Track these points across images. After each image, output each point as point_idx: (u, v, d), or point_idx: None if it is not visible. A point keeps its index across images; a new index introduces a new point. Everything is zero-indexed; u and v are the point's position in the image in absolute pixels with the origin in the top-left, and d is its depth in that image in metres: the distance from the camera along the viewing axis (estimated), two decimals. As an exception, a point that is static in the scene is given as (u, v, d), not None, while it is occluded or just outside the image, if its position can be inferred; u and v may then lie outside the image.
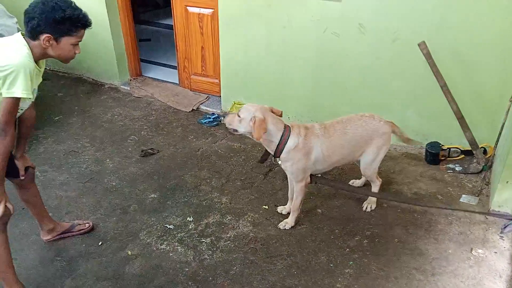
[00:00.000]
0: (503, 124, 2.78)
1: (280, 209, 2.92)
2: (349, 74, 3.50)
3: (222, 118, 2.56)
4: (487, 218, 2.67)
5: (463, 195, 2.89)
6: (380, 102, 3.45)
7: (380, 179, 2.85)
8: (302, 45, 3.59)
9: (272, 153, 2.53)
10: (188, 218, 2.87)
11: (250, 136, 2.51)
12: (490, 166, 3.06)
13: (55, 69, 5.28)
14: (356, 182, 3.13)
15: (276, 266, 2.46)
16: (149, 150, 3.69)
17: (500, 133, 2.82)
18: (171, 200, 3.06)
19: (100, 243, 2.65)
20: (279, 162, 2.58)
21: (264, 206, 2.97)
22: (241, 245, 2.63)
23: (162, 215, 2.91)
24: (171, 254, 2.58)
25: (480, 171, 3.09)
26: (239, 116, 2.45)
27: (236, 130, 2.51)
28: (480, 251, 2.42)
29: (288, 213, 2.81)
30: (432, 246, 2.50)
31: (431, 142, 3.32)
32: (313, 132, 2.53)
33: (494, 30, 2.89)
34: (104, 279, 2.40)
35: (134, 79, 5.02)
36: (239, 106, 4.16)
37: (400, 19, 3.13)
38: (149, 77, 5.13)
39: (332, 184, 3.06)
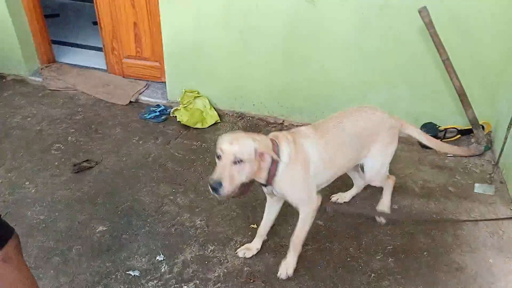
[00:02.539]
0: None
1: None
2: (329, 50, 2.94)
3: (215, 190, 1.65)
4: (512, 211, 2.36)
5: (476, 184, 2.55)
6: (366, 81, 2.97)
7: (393, 177, 2.35)
8: (270, 17, 2.92)
9: (264, 181, 1.84)
10: (157, 257, 2.16)
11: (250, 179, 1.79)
12: (491, 145, 2.77)
13: None
14: (342, 197, 2.50)
15: (290, 311, 1.90)
16: (84, 163, 2.83)
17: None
18: (129, 233, 2.31)
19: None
20: (272, 191, 1.92)
21: (252, 226, 2.35)
22: (237, 286, 2.01)
23: (120, 257, 2.16)
24: (144, 317, 1.87)
25: (482, 152, 2.78)
26: (238, 163, 1.67)
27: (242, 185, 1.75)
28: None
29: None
30: (468, 257, 2.10)
31: (426, 123, 2.94)
32: (300, 134, 1.94)
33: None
34: None
35: (46, 67, 3.94)
36: (190, 94, 3.41)
37: (390, -20, 2.62)
38: (65, 63, 4.08)
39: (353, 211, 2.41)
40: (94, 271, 2.08)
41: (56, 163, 2.84)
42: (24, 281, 1.45)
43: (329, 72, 3.02)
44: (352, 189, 2.50)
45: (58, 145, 3.03)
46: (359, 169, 2.34)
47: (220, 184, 1.64)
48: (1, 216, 1.43)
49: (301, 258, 2.08)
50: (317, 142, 1.93)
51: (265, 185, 1.88)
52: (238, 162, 1.67)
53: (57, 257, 2.15)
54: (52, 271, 2.07)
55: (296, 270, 2.05)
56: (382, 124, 2.10)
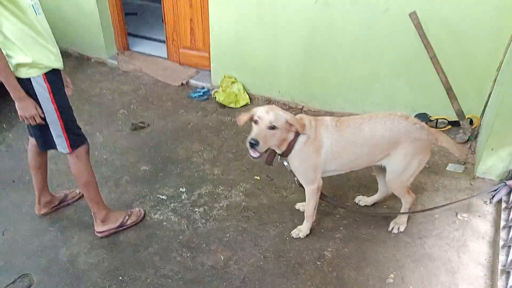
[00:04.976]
0: (490, 93, 2.83)
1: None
2: (340, 45, 3.50)
3: (250, 146, 2.05)
4: (472, 185, 2.75)
5: (450, 164, 2.96)
6: (370, 73, 3.48)
7: (413, 194, 2.42)
8: (293, 16, 3.56)
9: (280, 152, 2.22)
10: (180, 189, 2.90)
11: (275, 148, 2.19)
12: (476, 136, 3.14)
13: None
14: (364, 200, 2.68)
15: (268, 233, 2.52)
16: (140, 124, 3.68)
17: (486, 103, 2.87)
18: (163, 172, 3.08)
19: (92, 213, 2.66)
20: (285, 163, 2.30)
21: (256, 177, 3.01)
22: (233, 214, 2.68)
23: (154, 186, 2.93)
24: (165, 223, 2.61)
25: (466, 141, 3.16)
26: (271, 128, 2.05)
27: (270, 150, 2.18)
28: (464, 215, 2.50)
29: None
30: (420, 215, 2.57)
31: (419, 113, 3.37)
32: (323, 123, 2.21)
33: (487, 4, 2.87)
34: (99, 247, 2.43)
35: (121, 53, 4.93)
36: (229, 79, 4.15)
37: (392, -12, 3.13)
38: (136, 51, 5.05)
39: (334, 203, 2.61)
40: (135, 193, 2.87)
41: (120, 122, 3.73)
42: (88, 172, 2.28)
43: (340, 65, 3.58)
44: (375, 195, 2.63)
45: (123, 110, 3.92)
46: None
47: (257, 142, 2.02)
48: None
49: (288, 202, 2.69)
50: (333, 134, 2.18)
51: (281, 156, 2.24)
52: (272, 128, 2.05)
53: (111, 182, 2.98)
54: (106, 190, 2.89)
55: (280, 208, 2.67)
56: (405, 135, 2.15)
